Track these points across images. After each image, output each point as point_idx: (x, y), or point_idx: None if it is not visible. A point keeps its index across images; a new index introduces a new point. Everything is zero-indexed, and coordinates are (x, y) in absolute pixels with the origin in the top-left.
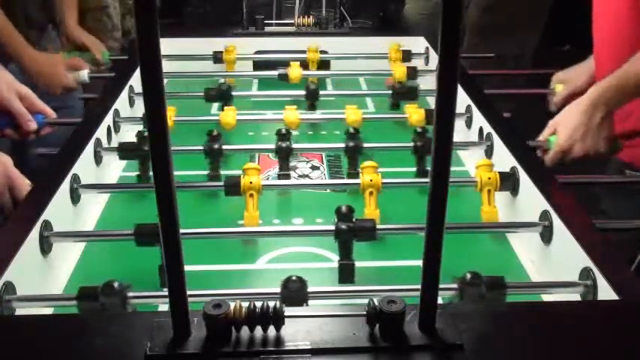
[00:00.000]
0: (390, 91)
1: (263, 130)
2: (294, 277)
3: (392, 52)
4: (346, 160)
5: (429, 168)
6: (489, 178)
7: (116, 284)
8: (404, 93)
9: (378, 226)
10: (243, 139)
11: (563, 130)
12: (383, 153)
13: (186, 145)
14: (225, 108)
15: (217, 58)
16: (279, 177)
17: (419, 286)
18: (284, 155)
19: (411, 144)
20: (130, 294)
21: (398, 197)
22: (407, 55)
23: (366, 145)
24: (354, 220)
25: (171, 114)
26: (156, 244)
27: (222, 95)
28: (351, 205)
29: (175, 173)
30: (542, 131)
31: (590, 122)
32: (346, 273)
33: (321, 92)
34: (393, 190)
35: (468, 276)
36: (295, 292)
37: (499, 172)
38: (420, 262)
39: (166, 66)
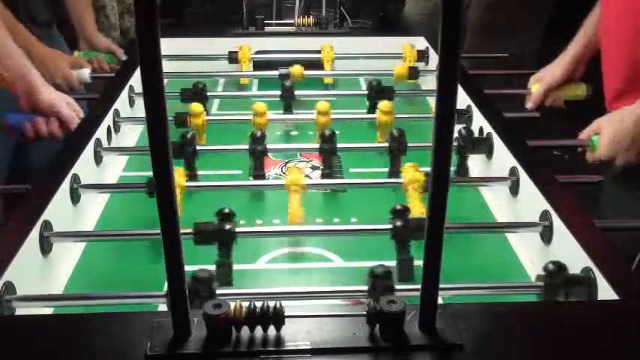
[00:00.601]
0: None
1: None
2: None
3: (406, 51)
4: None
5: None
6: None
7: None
8: (380, 91)
9: (378, 226)
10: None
11: (607, 139)
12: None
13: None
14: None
15: (232, 58)
16: (255, 177)
17: (419, 286)
18: (259, 156)
19: (386, 144)
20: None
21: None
22: (421, 55)
23: (339, 145)
24: (407, 218)
25: (202, 115)
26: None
27: (197, 95)
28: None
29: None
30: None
31: (636, 131)
32: (405, 269)
33: (321, 92)
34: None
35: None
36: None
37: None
38: (420, 262)
39: (166, 66)
